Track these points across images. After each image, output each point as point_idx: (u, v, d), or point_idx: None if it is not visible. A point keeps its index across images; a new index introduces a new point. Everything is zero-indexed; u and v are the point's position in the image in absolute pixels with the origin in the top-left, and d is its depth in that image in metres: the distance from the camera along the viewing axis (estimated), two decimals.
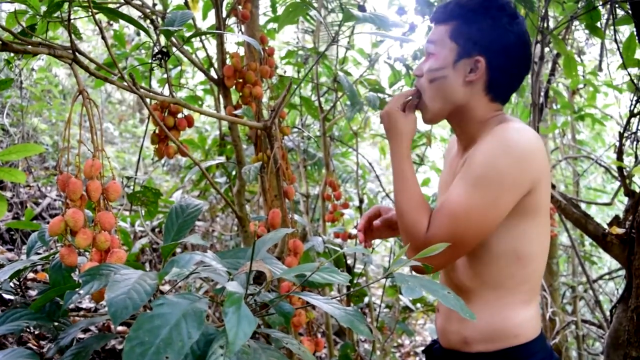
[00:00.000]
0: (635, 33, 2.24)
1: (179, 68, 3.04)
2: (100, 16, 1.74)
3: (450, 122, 1.48)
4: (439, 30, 1.40)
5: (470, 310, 0.92)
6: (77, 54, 1.21)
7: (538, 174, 1.27)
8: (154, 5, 2.86)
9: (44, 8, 2.01)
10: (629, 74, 2.36)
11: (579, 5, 2.62)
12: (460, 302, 0.92)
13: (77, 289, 1.15)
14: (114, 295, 0.89)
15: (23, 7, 1.95)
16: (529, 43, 1.38)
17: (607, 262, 6.23)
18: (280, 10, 3.14)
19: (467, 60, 1.35)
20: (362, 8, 2.78)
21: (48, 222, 3.99)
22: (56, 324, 1.28)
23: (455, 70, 1.36)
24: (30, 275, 2.98)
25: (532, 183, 1.27)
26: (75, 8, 2.20)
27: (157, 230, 3.84)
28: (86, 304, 2.86)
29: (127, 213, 3.46)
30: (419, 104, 1.45)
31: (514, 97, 4.33)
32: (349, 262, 2.63)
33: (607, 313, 3.11)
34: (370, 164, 3.57)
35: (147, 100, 1.39)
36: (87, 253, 1.23)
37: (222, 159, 3.25)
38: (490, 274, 1.36)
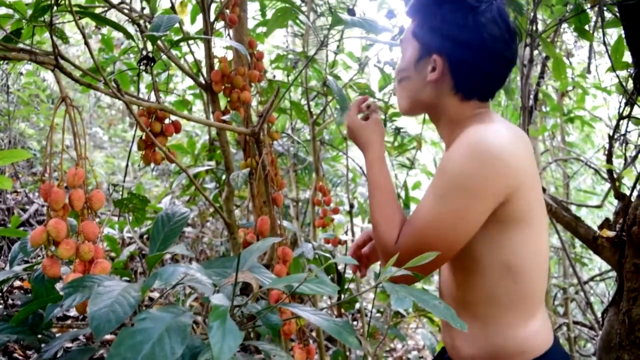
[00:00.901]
0: (623, 36, 2.25)
1: (167, 72, 3.01)
2: (88, 20, 1.72)
3: (431, 120, 1.44)
4: (408, 28, 1.36)
5: (461, 321, 0.90)
6: (59, 59, 1.19)
7: (513, 179, 1.18)
8: (142, 9, 2.84)
9: (30, 12, 1.99)
10: (618, 77, 2.36)
11: (568, 9, 2.62)
12: (451, 311, 0.91)
13: (59, 302, 1.13)
14: (96, 309, 0.86)
15: (8, 10, 1.93)
16: (498, 36, 1.25)
17: (597, 263, 6.25)
18: (269, 14, 3.13)
19: (427, 59, 1.30)
20: (351, 12, 2.77)
21: (35, 229, 3.96)
22: (40, 336, 1.25)
23: (417, 71, 1.32)
24: (17, 283, 2.95)
25: (507, 189, 1.17)
26: (63, 12, 2.18)
27: (145, 236, 3.81)
28: (73, 311, 2.83)
29: (115, 219, 3.43)
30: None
31: (503, 100, 4.34)
32: (339, 267, 2.61)
33: (599, 314, 3.11)
34: (361, 167, 3.56)
35: (134, 106, 1.37)
36: (70, 263, 1.20)
37: (212, 164, 3.23)
38: (484, 288, 1.29)
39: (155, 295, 2.85)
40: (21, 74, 4.99)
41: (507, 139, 1.19)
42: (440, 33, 1.26)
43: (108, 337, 2.49)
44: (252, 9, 3.35)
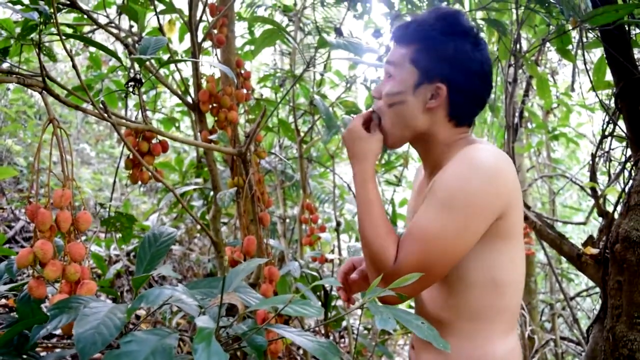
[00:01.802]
0: (605, 56, 2.30)
1: (155, 91, 3.02)
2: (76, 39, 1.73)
3: (414, 147, 1.42)
4: (399, 52, 1.34)
5: (444, 341, 0.92)
6: (47, 81, 1.20)
7: (508, 196, 1.22)
8: (131, 27, 2.86)
9: (18, 30, 2.00)
10: (598, 97, 2.41)
11: (551, 29, 2.68)
12: (434, 332, 0.92)
13: (45, 323, 1.12)
14: (82, 331, 0.87)
15: None
16: (491, 69, 1.33)
17: (584, 278, 6.29)
18: (257, 32, 3.16)
19: (427, 86, 1.29)
20: (338, 31, 2.81)
21: (21, 246, 3.92)
22: (25, 356, 1.24)
23: (415, 96, 1.30)
24: (1, 301, 2.92)
25: (503, 206, 1.21)
26: (50, 29, 2.19)
27: (132, 254, 3.79)
28: (59, 330, 2.80)
29: (102, 236, 3.41)
30: (380, 125, 1.38)
31: (489, 117, 4.39)
32: (326, 286, 2.62)
33: (585, 330, 3.13)
34: (347, 184, 3.58)
35: (120, 127, 1.38)
36: (56, 284, 1.20)
37: (199, 181, 3.23)
38: (467, 304, 1.29)
39: (142, 313, 2.84)
40: (8, 89, 4.99)
41: (502, 158, 1.23)
42: (450, 62, 1.28)
43: (95, 356, 2.46)
44: (240, 27, 3.38)
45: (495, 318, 1.30)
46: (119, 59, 1.38)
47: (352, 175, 1.38)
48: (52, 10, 1.13)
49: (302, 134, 2.85)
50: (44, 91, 1.17)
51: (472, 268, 1.26)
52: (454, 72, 1.28)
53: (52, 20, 1.26)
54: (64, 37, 1.22)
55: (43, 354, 1.30)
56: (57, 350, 2.17)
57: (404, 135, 1.36)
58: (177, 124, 3.58)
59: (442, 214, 1.20)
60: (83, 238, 1.18)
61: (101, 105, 1.26)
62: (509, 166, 1.23)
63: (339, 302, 3.12)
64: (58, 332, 2.80)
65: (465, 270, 1.27)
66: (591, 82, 2.39)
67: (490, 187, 1.19)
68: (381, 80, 1.39)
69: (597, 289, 4.37)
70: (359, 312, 4.26)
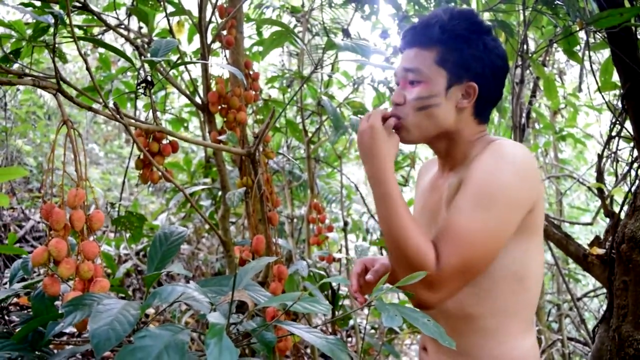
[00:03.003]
0: (612, 57, 2.30)
1: (164, 91, 3.05)
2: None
3: (434, 144, 1.41)
4: (422, 57, 1.32)
5: (449, 338, 0.93)
6: (61, 83, 1.22)
7: (538, 190, 1.24)
8: (140, 28, 2.89)
9: (29, 31, 2.03)
10: (604, 98, 2.41)
11: (558, 30, 2.68)
12: (440, 329, 0.93)
13: (59, 319, 1.15)
14: (96, 327, 0.89)
15: (8, 30, 1.97)
16: (502, 57, 1.34)
17: (591, 279, 6.27)
18: (265, 34, 3.18)
19: (458, 87, 1.30)
20: (345, 32, 2.83)
21: (32, 245, 3.96)
22: (39, 353, 1.27)
23: (447, 98, 1.30)
24: (13, 299, 2.95)
25: (534, 199, 1.23)
26: (60, 31, 2.22)
27: (141, 253, 3.82)
28: (69, 328, 2.83)
29: (112, 235, 3.45)
30: (396, 127, 1.36)
31: (496, 118, 4.40)
32: (333, 285, 2.63)
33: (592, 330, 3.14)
34: (355, 184, 3.60)
35: (131, 127, 1.40)
36: (70, 281, 1.23)
37: (208, 181, 3.26)
38: (492, 300, 1.28)
39: (151, 311, 2.87)
40: (18, 90, 5.03)
41: (529, 154, 1.25)
42: (481, 60, 1.29)
43: (105, 354, 2.50)
44: (248, 28, 3.40)
45: (518, 313, 1.30)
46: (130, 60, 1.40)
47: (370, 174, 1.32)
48: (66, 13, 1.15)
49: (309, 135, 2.87)
50: (58, 93, 1.20)
51: (499, 263, 1.26)
52: (484, 70, 1.30)
53: (65, 23, 1.29)
54: (74, 40, 1.25)
55: (56, 352, 1.32)
56: (68, 347, 2.20)
57: (428, 134, 1.35)
58: (185, 124, 3.61)
59: (481, 211, 1.19)
60: (91, 238, 1.20)
61: (113, 107, 1.29)
62: (535, 161, 1.25)
63: (346, 301, 3.14)
64: (68, 330, 2.84)
65: (492, 266, 1.26)
66: (597, 83, 2.40)
67: (523, 180, 1.20)
68: (398, 87, 1.37)
69: (605, 290, 4.37)
70: (366, 311, 4.28)
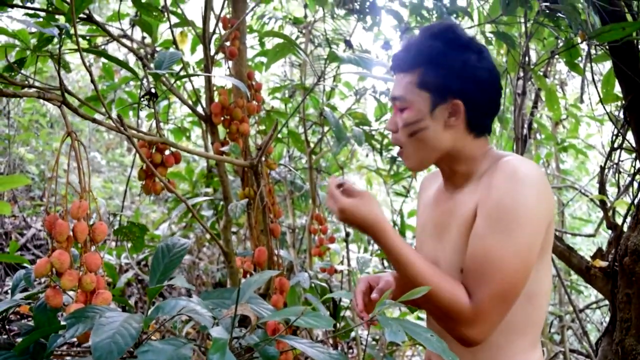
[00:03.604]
0: (613, 69, 2.31)
1: (167, 101, 3.06)
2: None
3: (439, 165, 1.41)
4: (404, 81, 1.32)
5: (453, 353, 0.93)
6: (66, 95, 1.23)
7: (552, 209, 1.22)
8: (143, 38, 2.90)
9: (33, 41, 2.04)
10: (606, 110, 2.42)
11: (559, 41, 2.69)
12: (443, 344, 0.93)
13: (61, 331, 1.15)
14: (98, 340, 0.89)
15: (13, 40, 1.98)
16: (498, 74, 1.33)
17: (593, 291, 6.24)
18: (267, 45, 3.20)
19: (443, 106, 1.28)
20: (348, 43, 2.84)
21: (33, 253, 3.95)
22: None
23: (434, 119, 1.29)
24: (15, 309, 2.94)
25: (550, 217, 1.21)
26: (65, 41, 2.22)
27: (142, 263, 3.82)
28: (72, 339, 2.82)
29: (113, 245, 3.44)
30: (400, 155, 1.38)
31: (497, 129, 4.40)
32: (335, 297, 2.62)
33: (594, 343, 3.12)
34: None
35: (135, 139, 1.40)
36: (72, 292, 1.23)
37: (209, 191, 3.26)
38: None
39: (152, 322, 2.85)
40: (21, 98, 5.04)
41: (540, 170, 1.23)
42: (460, 76, 1.27)
43: None
44: (251, 38, 3.41)
45: (527, 330, 1.29)
46: (133, 72, 1.41)
47: (376, 243, 1.29)
48: (72, 26, 1.16)
49: (311, 145, 2.87)
50: (62, 105, 1.20)
51: None
52: (466, 85, 1.27)
53: (70, 35, 1.29)
54: (79, 51, 1.25)
55: None
56: (68, 358, 2.19)
57: (430, 157, 1.34)
58: (187, 134, 3.62)
59: (508, 237, 1.16)
60: (93, 249, 1.20)
61: (117, 118, 1.29)
62: (546, 177, 1.23)
63: (348, 313, 3.13)
64: (69, 340, 2.83)
65: None
66: (599, 95, 2.41)
67: (541, 200, 1.18)
68: (392, 114, 1.38)
69: (607, 302, 4.36)
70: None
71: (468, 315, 1.16)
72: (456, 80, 1.27)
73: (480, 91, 1.29)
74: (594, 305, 5.02)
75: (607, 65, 3.58)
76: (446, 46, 1.29)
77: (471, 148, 1.33)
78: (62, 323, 1.06)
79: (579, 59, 2.62)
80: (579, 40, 2.30)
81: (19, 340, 1.20)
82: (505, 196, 1.17)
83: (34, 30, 2.00)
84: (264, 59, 3.10)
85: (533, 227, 1.17)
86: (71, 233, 1.16)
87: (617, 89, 2.49)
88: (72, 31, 1.20)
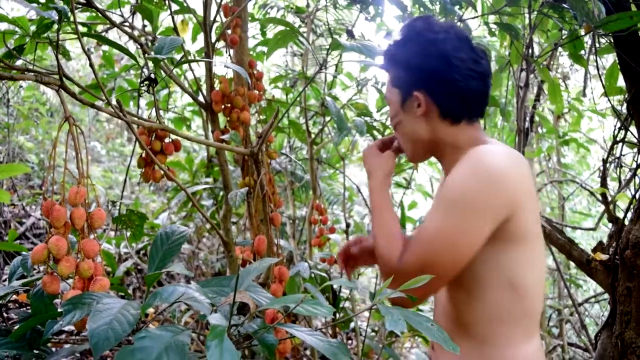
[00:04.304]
0: (617, 62, 2.29)
1: (167, 90, 3.04)
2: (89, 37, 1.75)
3: (435, 156, 1.48)
4: (387, 82, 1.48)
5: (454, 344, 0.92)
6: (64, 79, 1.21)
7: (513, 197, 1.22)
8: (144, 27, 2.88)
9: (33, 28, 2.02)
10: (611, 103, 2.40)
11: (563, 33, 2.67)
12: (444, 334, 0.92)
13: (58, 318, 1.14)
14: (95, 326, 0.88)
15: (12, 26, 1.96)
16: (465, 57, 1.35)
17: (592, 285, 6.25)
18: (269, 34, 3.17)
19: (410, 99, 1.39)
20: (349, 33, 2.81)
21: (32, 242, 3.94)
22: (37, 352, 1.26)
23: (406, 112, 1.41)
24: (12, 297, 2.95)
25: (509, 207, 1.22)
26: (64, 28, 2.20)
27: (142, 252, 3.81)
28: (68, 327, 2.82)
29: (112, 234, 3.43)
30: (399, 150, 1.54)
31: (499, 121, 4.38)
32: (335, 286, 2.62)
33: (593, 336, 3.12)
34: (357, 186, 3.58)
35: (134, 125, 1.39)
36: (69, 280, 1.22)
37: (209, 181, 3.25)
38: (485, 307, 1.30)
39: (150, 311, 2.85)
40: (21, 87, 5.02)
41: (506, 160, 1.25)
42: (412, 69, 1.37)
43: (104, 353, 2.48)
44: (252, 28, 3.39)
45: (516, 322, 1.30)
46: (134, 57, 1.39)
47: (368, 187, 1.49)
48: (70, 9, 1.14)
49: (312, 135, 2.86)
50: (60, 89, 1.19)
51: (487, 270, 1.28)
52: (421, 76, 1.36)
53: (69, 20, 1.28)
54: (78, 37, 1.24)
55: (54, 350, 1.31)
56: (67, 346, 2.19)
57: (416, 148, 1.44)
58: (188, 123, 3.60)
59: (444, 215, 1.24)
60: (92, 236, 1.19)
61: (116, 104, 1.27)
62: (516, 167, 1.25)
63: (347, 304, 3.13)
64: (67, 328, 2.83)
65: (481, 273, 1.29)
66: (604, 87, 2.39)
67: (490, 188, 1.21)
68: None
69: (606, 296, 4.35)
70: (366, 314, 4.27)
71: (392, 271, 1.26)
72: (412, 74, 1.38)
73: (437, 77, 1.35)
74: (593, 299, 5.02)
75: (610, 59, 3.56)
76: (399, 45, 1.42)
77: (452, 135, 1.38)
78: (59, 310, 1.05)
79: (583, 51, 2.60)
80: (583, 32, 2.28)
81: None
82: (457, 180, 1.25)
83: (33, 17, 1.98)
84: (265, 49, 3.08)
85: (471, 213, 1.21)
86: (69, 219, 1.14)
87: (621, 82, 2.47)
88: (71, 16, 1.18)
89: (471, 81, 1.34)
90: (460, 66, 1.33)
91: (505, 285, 1.27)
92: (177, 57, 2.24)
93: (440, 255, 1.22)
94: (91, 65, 1.20)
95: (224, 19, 2.13)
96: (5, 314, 1.54)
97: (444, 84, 1.34)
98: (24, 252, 1.49)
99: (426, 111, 1.37)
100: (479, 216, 1.21)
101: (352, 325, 3.02)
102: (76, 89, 1.36)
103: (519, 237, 1.27)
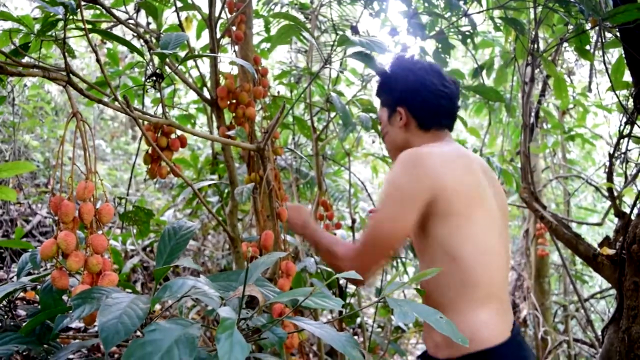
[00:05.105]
0: (624, 56, 2.28)
1: (172, 87, 3.04)
2: (94, 33, 1.75)
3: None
4: (380, 104, 1.90)
5: (462, 335, 0.92)
6: (71, 75, 1.22)
7: (431, 181, 1.50)
8: (148, 24, 2.88)
9: (37, 26, 2.02)
10: (617, 97, 2.39)
11: (569, 28, 2.66)
12: (452, 326, 0.92)
13: (67, 312, 1.14)
14: (105, 320, 0.88)
15: (17, 25, 1.97)
16: (435, 81, 1.74)
17: (598, 280, 6.24)
18: (273, 30, 3.17)
19: (394, 114, 1.79)
20: (354, 29, 2.81)
21: (38, 240, 3.96)
22: (46, 346, 1.26)
23: (391, 125, 1.82)
24: (20, 294, 2.96)
25: (429, 189, 1.49)
26: (69, 26, 2.20)
27: (148, 249, 3.82)
28: (75, 323, 2.83)
29: (118, 231, 3.44)
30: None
31: (504, 117, 4.37)
32: (341, 282, 2.62)
33: (599, 332, 3.11)
34: (362, 182, 3.58)
35: (140, 121, 1.39)
36: (78, 275, 1.22)
37: (215, 177, 3.25)
38: (435, 278, 1.44)
39: (157, 308, 2.86)
40: (25, 86, 5.03)
41: (428, 154, 1.56)
42: (396, 91, 1.79)
43: (112, 348, 2.49)
44: (257, 25, 3.38)
45: (460, 291, 1.51)
46: (140, 52, 1.39)
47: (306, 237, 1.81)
48: (77, 4, 1.14)
49: (317, 132, 2.85)
50: (67, 85, 1.19)
51: (430, 243, 1.55)
52: (404, 96, 1.76)
53: (74, 16, 1.28)
54: (84, 33, 1.24)
55: (61, 345, 1.32)
56: (75, 341, 2.19)
57: (397, 152, 1.70)
58: (193, 121, 3.60)
59: (380, 207, 1.57)
60: (100, 232, 1.19)
61: (123, 100, 1.28)
62: (433, 157, 1.55)
63: (353, 300, 3.13)
64: (74, 325, 2.84)
65: (427, 245, 1.56)
66: (611, 81, 2.37)
67: (409, 176, 1.52)
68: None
69: (612, 291, 4.34)
70: (372, 310, 4.26)
71: (350, 254, 1.59)
72: (396, 94, 1.79)
73: (414, 95, 1.75)
74: (599, 295, 5.01)
75: (615, 54, 3.54)
76: (389, 75, 1.85)
77: (420, 142, 1.74)
78: (69, 304, 1.05)
79: (589, 46, 2.59)
80: (590, 26, 2.27)
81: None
82: (389, 177, 1.58)
83: (38, 15, 1.99)
84: (269, 46, 3.08)
85: (398, 198, 1.53)
86: (77, 214, 1.15)
87: (627, 77, 2.46)
88: (77, 12, 1.19)
89: (440, 99, 1.73)
90: (431, 88, 1.73)
91: (444, 255, 1.52)
92: (182, 54, 2.25)
93: (382, 236, 1.54)
94: (98, 60, 1.20)
95: (229, 16, 2.13)
96: (13, 311, 1.55)
97: (419, 101, 1.74)
98: (30, 250, 1.50)
99: (406, 122, 1.76)
100: (406, 201, 1.51)
101: (358, 320, 3.02)
102: (83, 86, 1.36)
103: (450, 213, 1.51)
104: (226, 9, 2.10)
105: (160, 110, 1.71)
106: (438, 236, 1.53)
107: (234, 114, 2.00)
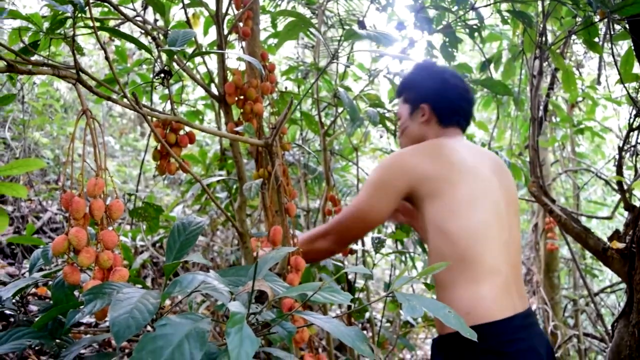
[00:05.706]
0: (632, 48, 2.26)
1: (180, 83, 3.05)
2: (102, 31, 1.76)
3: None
4: (400, 101, 2.08)
5: (471, 330, 0.92)
6: (80, 73, 1.23)
7: (409, 175, 1.71)
8: (156, 21, 2.89)
9: (46, 24, 2.04)
10: (626, 89, 2.37)
11: (577, 21, 2.64)
12: (460, 321, 0.93)
13: (79, 307, 1.15)
14: (116, 315, 0.89)
15: (26, 23, 1.98)
16: (458, 84, 1.96)
17: (608, 274, 6.22)
18: (280, 26, 3.17)
19: (417, 110, 1.98)
20: (361, 24, 2.80)
21: (49, 236, 3.99)
22: (58, 341, 1.28)
23: (412, 120, 2.00)
24: (32, 290, 2.99)
25: (410, 181, 1.70)
26: (77, 24, 2.21)
27: (157, 245, 3.84)
28: (86, 319, 2.86)
29: (128, 227, 3.46)
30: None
31: (513, 111, 4.35)
32: (349, 277, 2.63)
33: (609, 326, 3.10)
34: None
35: (149, 117, 1.40)
36: (89, 271, 1.23)
37: (223, 173, 3.26)
38: (433, 253, 1.68)
39: (167, 302, 2.88)
40: (35, 83, 5.06)
41: (409, 150, 1.79)
42: (422, 89, 1.99)
43: (123, 343, 2.51)
44: (263, 21, 3.39)
45: (456, 266, 1.59)
46: (148, 50, 1.40)
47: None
48: (85, 2, 1.15)
49: (325, 127, 2.86)
50: (77, 83, 1.20)
51: (426, 221, 1.69)
52: (429, 93, 1.96)
53: (83, 14, 1.29)
54: (93, 30, 1.25)
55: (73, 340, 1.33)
56: (86, 336, 2.22)
57: (407, 143, 1.98)
58: (200, 117, 3.61)
59: (358, 196, 1.80)
60: (110, 228, 1.20)
61: (132, 97, 1.28)
62: (413, 155, 1.76)
63: (362, 294, 3.13)
64: (86, 320, 2.86)
65: (425, 224, 1.70)
66: (620, 73, 2.36)
67: (387, 171, 1.76)
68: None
69: (622, 286, 4.32)
70: (380, 305, 4.27)
71: (327, 230, 1.83)
72: (421, 92, 1.98)
73: (436, 96, 1.95)
74: (609, 290, 4.98)
75: (624, 46, 3.51)
76: (418, 74, 2.07)
77: (434, 136, 1.92)
78: (80, 300, 1.06)
79: (597, 38, 2.57)
80: (598, 18, 2.26)
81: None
82: (373, 168, 1.78)
83: (47, 13, 2.00)
84: (276, 42, 3.08)
85: (376, 188, 1.75)
86: (88, 211, 1.16)
87: (636, 69, 2.45)
88: (85, 10, 1.19)
89: (462, 101, 1.95)
90: (456, 90, 1.95)
91: (437, 231, 1.65)
92: (189, 51, 2.25)
93: (354, 219, 1.78)
94: (107, 58, 1.21)
95: (236, 12, 2.13)
96: (25, 307, 1.57)
97: (444, 99, 1.94)
98: (42, 246, 1.51)
99: (428, 118, 1.94)
100: (385, 189, 1.73)
101: (367, 315, 3.03)
102: (92, 83, 1.37)
103: (435, 194, 1.67)
104: (233, 5, 2.11)
105: (168, 106, 1.72)
106: (430, 214, 1.68)
107: (241, 110, 2.01)
